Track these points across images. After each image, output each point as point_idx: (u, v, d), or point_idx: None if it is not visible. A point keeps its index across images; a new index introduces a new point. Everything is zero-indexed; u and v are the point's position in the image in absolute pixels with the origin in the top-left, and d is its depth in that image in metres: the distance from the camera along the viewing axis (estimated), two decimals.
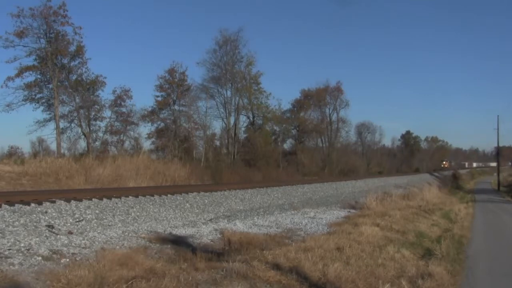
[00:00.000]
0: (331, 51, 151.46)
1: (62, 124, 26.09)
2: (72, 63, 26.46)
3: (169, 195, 13.39)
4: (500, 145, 57.90)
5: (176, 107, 33.25)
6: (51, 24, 24.60)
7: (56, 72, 25.13)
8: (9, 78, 24.13)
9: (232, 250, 8.06)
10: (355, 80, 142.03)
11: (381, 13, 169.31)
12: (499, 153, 59.91)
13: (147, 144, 33.67)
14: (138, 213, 11.02)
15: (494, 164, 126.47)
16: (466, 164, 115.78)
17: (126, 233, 9.02)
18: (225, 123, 38.71)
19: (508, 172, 74.63)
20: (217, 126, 47.89)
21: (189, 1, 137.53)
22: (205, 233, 9.78)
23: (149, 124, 32.92)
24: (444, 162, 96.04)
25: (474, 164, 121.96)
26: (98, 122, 28.11)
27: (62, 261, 6.43)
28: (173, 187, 16.66)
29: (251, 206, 15.42)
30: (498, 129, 48.09)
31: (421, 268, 7.14)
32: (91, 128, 27.65)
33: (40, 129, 26.07)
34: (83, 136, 27.38)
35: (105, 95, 35.84)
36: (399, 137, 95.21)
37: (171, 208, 12.33)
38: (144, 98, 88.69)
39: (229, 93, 39.20)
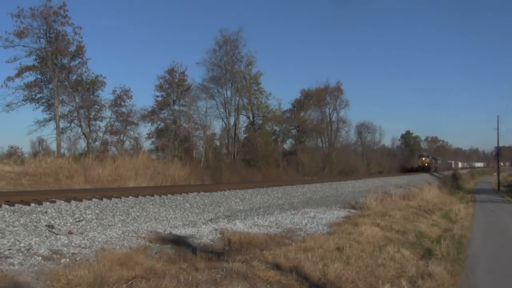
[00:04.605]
0: (331, 51, 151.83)
1: (62, 124, 26.15)
2: (72, 63, 26.54)
3: (169, 195, 13.38)
4: (500, 145, 57.97)
5: (176, 107, 33.29)
6: (51, 24, 24.65)
7: (56, 72, 25.15)
8: (9, 78, 24.21)
9: (232, 250, 8.05)
10: (355, 80, 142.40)
11: (381, 13, 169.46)
12: (499, 153, 59.91)
13: (147, 144, 33.75)
14: (138, 213, 11.01)
15: (479, 164, 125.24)
16: (453, 163, 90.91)
17: (126, 233, 9.02)
18: (225, 123, 38.78)
19: (508, 172, 74.67)
20: (217, 126, 47.93)
21: (189, 1, 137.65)
22: (205, 233, 9.77)
23: (149, 124, 33.00)
24: (423, 159, 68.21)
25: (460, 164, 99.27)
26: (98, 122, 28.18)
27: (62, 261, 6.42)
28: (173, 187, 16.65)
29: (251, 206, 15.41)
30: (498, 129, 48.14)
31: (421, 268, 7.14)
32: (91, 128, 27.69)
33: (40, 129, 26.16)
34: (83, 136, 27.43)
35: (105, 95, 35.97)
36: (399, 137, 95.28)
37: (171, 208, 12.33)
38: (144, 98, 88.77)
39: (229, 93, 39.30)
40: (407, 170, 64.27)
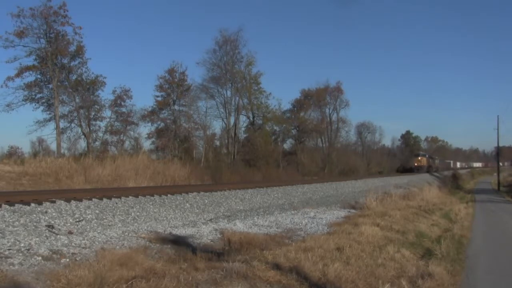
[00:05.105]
0: (331, 51, 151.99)
1: (62, 124, 26.14)
2: (72, 63, 26.53)
3: (169, 195, 13.38)
4: (500, 145, 58.00)
5: (176, 107, 33.31)
6: (51, 24, 24.63)
7: (56, 72, 25.15)
8: (9, 78, 24.18)
9: (232, 250, 8.05)
10: (355, 80, 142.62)
11: (381, 13, 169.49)
12: (499, 153, 59.93)
13: (147, 144, 33.77)
14: (138, 213, 11.01)
15: (478, 164, 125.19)
16: (451, 163, 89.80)
17: (126, 233, 9.02)
18: (225, 123, 38.78)
19: (508, 172, 74.68)
20: (217, 126, 47.98)
21: (189, 1, 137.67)
22: (205, 233, 9.77)
23: (149, 124, 33.02)
24: (419, 158, 62.38)
25: (458, 164, 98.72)
26: (98, 122, 28.19)
27: (62, 261, 6.42)
28: (173, 187, 16.65)
29: (251, 206, 15.41)
30: (498, 129, 48.23)
31: (421, 268, 7.14)
32: (91, 128, 27.70)
33: (40, 129, 26.13)
34: (83, 136, 27.44)
35: (105, 95, 36.02)
36: (399, 137, 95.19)
37: (171, 208, 12.33)
38: (144, 98, 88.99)
39: (229, 93, 39.31)
40: (402, 170, 60.17)
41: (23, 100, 24.89)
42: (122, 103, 29.24)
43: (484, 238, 11.87)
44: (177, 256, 7.29)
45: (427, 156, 65.82)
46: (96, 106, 27.77)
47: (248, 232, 10.04)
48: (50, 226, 8.47)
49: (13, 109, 24.50)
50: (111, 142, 29.52)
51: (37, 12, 23.97)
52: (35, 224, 8.37)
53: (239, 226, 11.02)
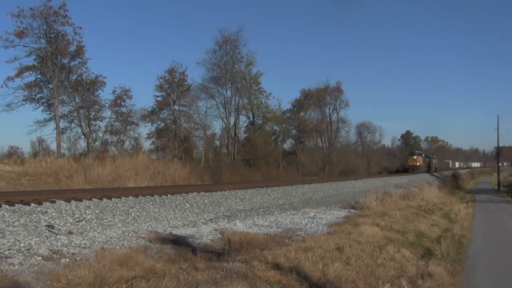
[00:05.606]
0: (331, 51, 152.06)
1: (62, 124, 26.16)
2: (72, 63, 26.56)
3: (169, 195, 13.38)
4: (500, 145, 58.00)
5: (176, 107, 33.34)
6: (51, 24, 24.65)
7: (56, 72, 25.16)
8: (9, 78, 24.21)
9: (232, 250, 8.05)
10: (355, 80, 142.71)
11: (381, 13, 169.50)
12: (499, 153, 59.94)
13: (147, 144, 33.81)
14: (138, 213, 11.01)
15: (476, 164, 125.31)
16: (450, 163, 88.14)
17: (126, 233, 9.01)
18: (225, 123, 38.79)
19: (508, 172, 74.68)
20: (217, 126, 48.05)
21: (189, 1, 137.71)
22: (205, 233, 9.77)
23: (149, 124, 33.06)
24: (414, 157, 58.38)
25: (457, 164, 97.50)
26: (98, 122, 28.23)
27: (62, 261, 6.42)
28: (173, 187, 16.64)
29: (251, 206, 15.40)
30: (498, 129, 48.22)
31: (421, 268, 7.14)
32: (91, 128, 27.73)
33: (40, 129, 26.16)
34: (83, 136, 27.45)
35: (105, 95, 36.04)
36: (399, 137, 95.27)
37: (171, 208, 12.32)
38: (144, 98, 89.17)
39: (229, 93, 39.34)
40: (400, 170, 57.59)
41: (23, 100, 24.93)
42: (122, 103, 29.30)
43: (484, 238, 11.87)
44: (177, 256, 7.29)
45: (423, 155, 62.38)
46: (96, 106, 27.82)
47: (248, 232, 10.04)
48: (50, 226, 8.46)
49: (13, 109, 24.56)
50: (111, 142, 29.58)
51: (37, 12, 24.02)
52: (35, 224, 8.36)
53: (239, 226, 11.02)
